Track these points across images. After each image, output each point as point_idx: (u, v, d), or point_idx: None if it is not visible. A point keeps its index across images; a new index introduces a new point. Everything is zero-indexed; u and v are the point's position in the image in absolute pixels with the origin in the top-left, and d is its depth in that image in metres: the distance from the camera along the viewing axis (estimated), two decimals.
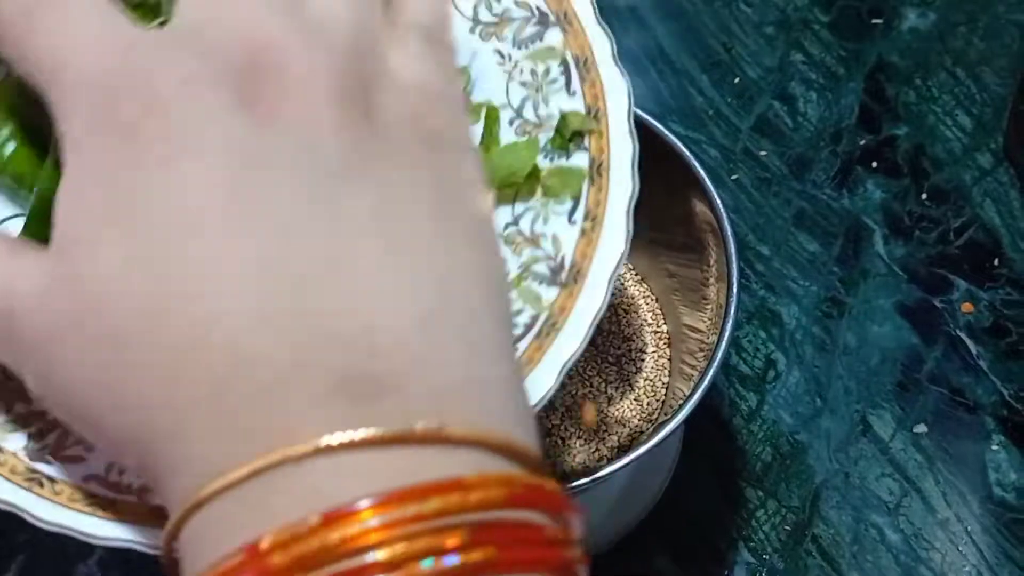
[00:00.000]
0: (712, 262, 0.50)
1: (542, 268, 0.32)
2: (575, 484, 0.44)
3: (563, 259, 0.32)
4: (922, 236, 0.66)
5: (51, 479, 0.28)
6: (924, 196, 0.67)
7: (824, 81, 0.71)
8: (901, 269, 0.65)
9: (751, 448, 0.61)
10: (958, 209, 0.66)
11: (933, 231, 0.66)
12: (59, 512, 0.28)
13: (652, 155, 0.50)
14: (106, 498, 0.29)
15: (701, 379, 0.46)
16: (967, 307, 0.63)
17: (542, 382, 0.31)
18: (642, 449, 0.44)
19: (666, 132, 0.50)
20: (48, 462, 0.29)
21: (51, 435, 0.29)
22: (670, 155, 0.50)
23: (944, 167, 0.68)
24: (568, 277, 0.31)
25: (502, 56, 0.33)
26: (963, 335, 0.63)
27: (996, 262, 0.65)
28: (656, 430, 0.46)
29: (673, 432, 0.45)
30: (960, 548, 0.58)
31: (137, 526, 0.28)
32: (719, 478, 0.60)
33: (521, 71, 0.33)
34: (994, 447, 0.60)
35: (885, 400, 0.61)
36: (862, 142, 0.69)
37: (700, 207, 0.50)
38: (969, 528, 0.58)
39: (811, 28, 0.73)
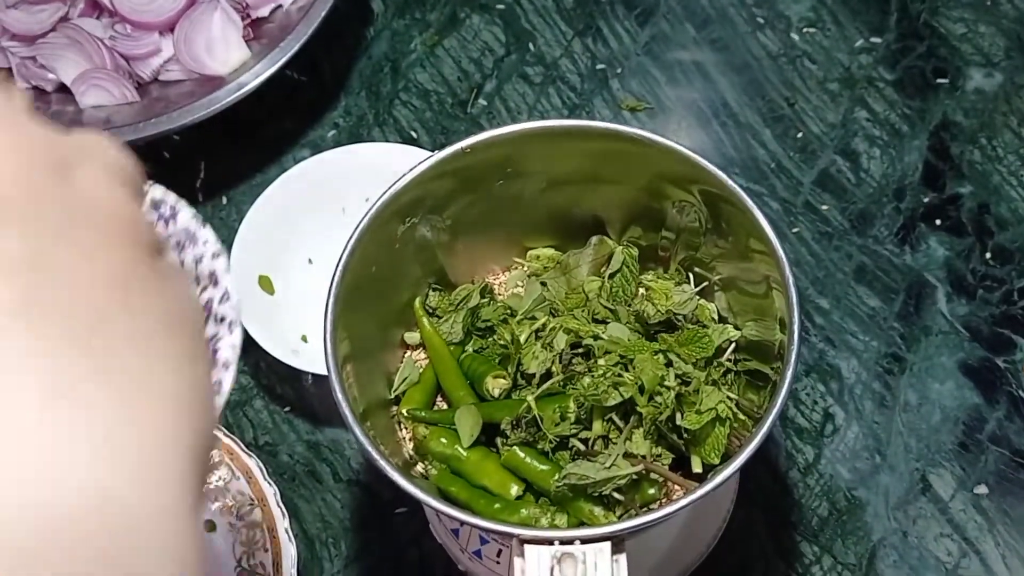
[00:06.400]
0: (775, 311, 0.50)
1: None
2: (631, 525, 0.44)
3: None
4: (985, 295, 0.65)
5: None
6: (988, 255, 0.66)
7: (888, 138, 0.71)
8: (964, 327, 0.64)
9: (807, 502, 0.60)
10: (1022, 269, 0.66)
11: (997, 290, 0.65)
12: None
13: (719, 203, 0.50)
14: None
15: (758, 428, 0.45)
16: None
17: None
18: (698, 494, 0.44)
19: (734, 185, 0.50)
20: None
21: None
22: (736, 207, 0.50)
23: (1008, 227, 0.67)
24: None
25: None
26: None
27: None
28: (712, 476, 0.46)
29: (728, 480, 0.45)
30: None
31: None
32: (773, 530, 0.59)
33: None
34: None
35: (945, 459, 0.61)
36: (925, 199, 0.69)
37: (764, 259, 0.50)
38: None
39: (875, 86, 0.73)
